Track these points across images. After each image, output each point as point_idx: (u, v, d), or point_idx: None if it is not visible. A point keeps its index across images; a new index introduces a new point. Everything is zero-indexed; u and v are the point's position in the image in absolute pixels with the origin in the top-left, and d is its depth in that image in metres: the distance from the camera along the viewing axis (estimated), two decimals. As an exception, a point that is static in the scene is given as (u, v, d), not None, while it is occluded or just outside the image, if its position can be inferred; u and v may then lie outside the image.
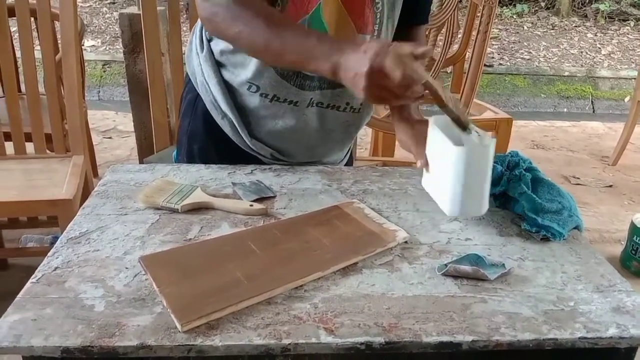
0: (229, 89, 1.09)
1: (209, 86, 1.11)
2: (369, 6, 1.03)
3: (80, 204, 0.95)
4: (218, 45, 1.09)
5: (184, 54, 1.26)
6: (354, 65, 0.80)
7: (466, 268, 0.78)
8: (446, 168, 0.89)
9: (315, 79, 1.07)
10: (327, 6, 1.00)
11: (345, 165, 1.30)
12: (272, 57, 0.95)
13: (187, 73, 1.20)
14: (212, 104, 1.12)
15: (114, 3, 6.17)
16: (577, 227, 0.94)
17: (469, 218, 0.93)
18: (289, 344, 0.64)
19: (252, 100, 1.09)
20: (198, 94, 1.15)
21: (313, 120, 1.11)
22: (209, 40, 1.11)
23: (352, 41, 0.92)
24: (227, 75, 1.09)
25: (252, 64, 1.05)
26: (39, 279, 0.73)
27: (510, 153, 1.00)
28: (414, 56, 0.78)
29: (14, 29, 1.86)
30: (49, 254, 0.79)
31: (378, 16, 1.05)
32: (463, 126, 0.84)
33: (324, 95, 1.10)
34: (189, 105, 1.18)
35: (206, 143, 1.17)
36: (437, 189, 0.94)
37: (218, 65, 1.10)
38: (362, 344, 0.65)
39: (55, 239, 0.82)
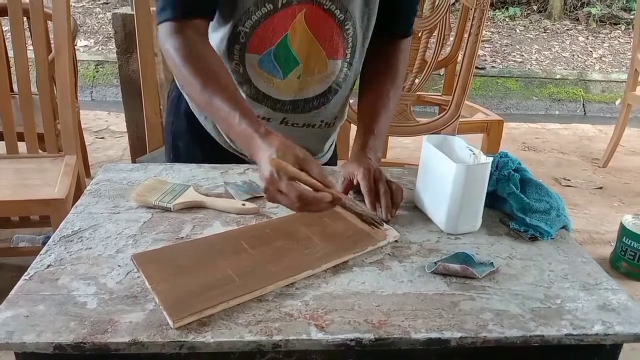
0: None
1: None
2: (338, 32, 1.04)
3: (73, 204, 0.95)
4: None
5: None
6: (260, 166, 0.83)
7: (455, 266, 0.79)
8: (444, 185, 0.89)
9: (287, 102, 1.09)
10: (295, 36, 1.02)
11: (330, 159, 1.31)
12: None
13: None
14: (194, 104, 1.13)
15: (107, 3, 6.16)
16: (564, 227, 0.95)
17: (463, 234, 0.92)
18: (280, 340, 0.65)
19: None
20: (181, 92, 1.15)
21: (287, 132, 1.12)
22: None
23: (261, 133, 0.85)
24: None
25: None
26: (31, 276, 0.74)
27: (499, 154, 1.01)
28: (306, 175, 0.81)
29: (6, 28, 1.86)
30: (42, 251, 0.79)
31: (350, 40, 1.07)
32: (374, 223, 0.88)
33: (298, 117, 1.12)
34: (173, 103, 1.19)
35: (190, 141, 1.19)
36: (432, 206, 0.95)
37: None
38: (352, 340, 0.66)
39: (47, 239, 0.83)
